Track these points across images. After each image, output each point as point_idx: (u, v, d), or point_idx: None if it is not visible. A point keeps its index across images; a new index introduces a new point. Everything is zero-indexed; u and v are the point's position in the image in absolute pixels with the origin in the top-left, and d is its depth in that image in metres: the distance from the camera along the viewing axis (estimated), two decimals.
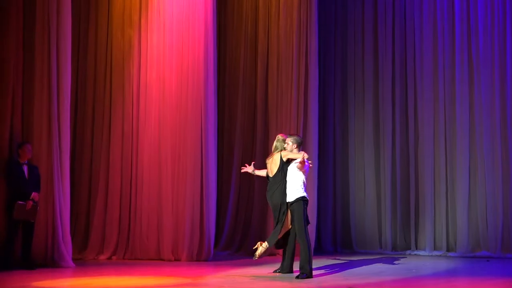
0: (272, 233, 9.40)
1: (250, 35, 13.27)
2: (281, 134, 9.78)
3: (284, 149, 9.46)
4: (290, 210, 9.31)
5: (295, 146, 9.44)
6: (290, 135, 9.81)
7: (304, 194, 9.25)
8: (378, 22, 13.43)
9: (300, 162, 9.24)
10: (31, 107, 10.06)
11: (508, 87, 12.49)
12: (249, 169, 9.85)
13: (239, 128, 13.16)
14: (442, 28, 12.97)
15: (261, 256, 9.41)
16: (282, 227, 9.35)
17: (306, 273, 8.99)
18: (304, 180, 9.30)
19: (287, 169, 9.39)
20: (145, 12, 11.97)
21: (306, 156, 9.13)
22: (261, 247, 9.33)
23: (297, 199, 9.22)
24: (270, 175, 9.53)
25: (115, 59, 12.15)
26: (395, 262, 11.41)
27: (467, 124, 12.65)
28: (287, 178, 9.35)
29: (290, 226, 9.39)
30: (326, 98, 13.65)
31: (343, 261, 11.33)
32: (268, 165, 9.62)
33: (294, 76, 12.43)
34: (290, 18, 12.60)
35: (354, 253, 12.94)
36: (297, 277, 9.02)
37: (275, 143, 9.64)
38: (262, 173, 9.83)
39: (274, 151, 9.60)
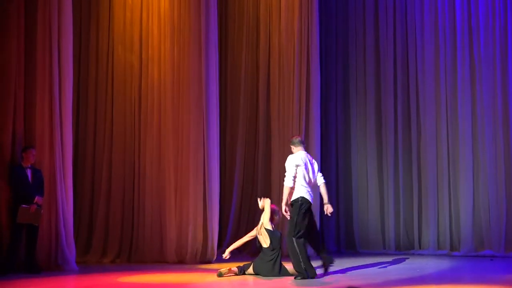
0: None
1: (251, 36, 13.30)
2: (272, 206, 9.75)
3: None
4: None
5: (294, 147, 9.39)
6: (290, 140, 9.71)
7: (303, 194, 9.09)
8: (379, 21, 13.43)
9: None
10: (33, 111, 10.05)
11: (510, 84, 12.46)
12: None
13: (241, 129, 13.17)
14: (444, 26, 12.95)
15: None
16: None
17: (301, 274, 8.91)
18: (305, 181, 9.20)
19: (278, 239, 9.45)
20: (146, 15, 11.99)
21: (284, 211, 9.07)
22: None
23: (293, 200, 9.11)
24: (265, 245, 9.48)
25: (117, 62, 12.17)
26: (399, 262, 11.40)
27: (469, 123, 12.63)
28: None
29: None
30: (328, 98, 13.64)
31: (346, 262, 11.30)
32: (259, 236, 9.58)
33: (295, 77, 12.43)
34: (291, 19, 12.59)
35: (357, 253, 12.92)
36: (296, 277, 8.99)
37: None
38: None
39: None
